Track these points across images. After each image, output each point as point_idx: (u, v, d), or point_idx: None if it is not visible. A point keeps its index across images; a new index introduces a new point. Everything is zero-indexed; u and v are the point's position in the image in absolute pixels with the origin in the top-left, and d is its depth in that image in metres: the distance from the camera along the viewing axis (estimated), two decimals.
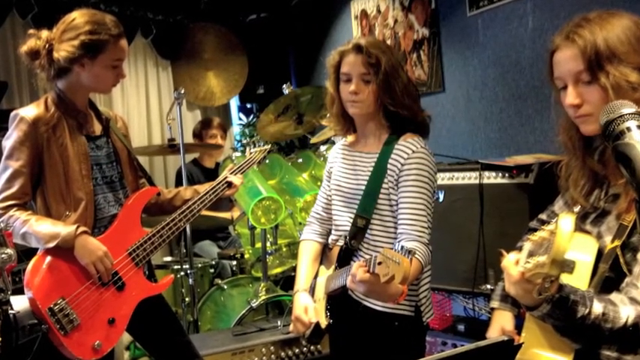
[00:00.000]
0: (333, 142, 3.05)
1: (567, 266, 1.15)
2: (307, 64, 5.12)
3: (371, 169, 1.85)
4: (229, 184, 2.25)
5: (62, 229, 1.86)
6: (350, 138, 2.01)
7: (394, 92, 1.80)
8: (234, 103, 5.44)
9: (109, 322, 1.93)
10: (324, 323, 1.83)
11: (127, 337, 3.25)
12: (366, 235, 1.84)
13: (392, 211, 1.82)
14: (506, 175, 2.61)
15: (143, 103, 4.77)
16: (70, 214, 1.95)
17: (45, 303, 1.82)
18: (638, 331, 1.18)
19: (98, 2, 4.21)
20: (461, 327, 2.99)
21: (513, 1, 3.37)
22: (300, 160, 3.64)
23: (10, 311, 1.70)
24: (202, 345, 2.59)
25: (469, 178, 2.72)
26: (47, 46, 1.94)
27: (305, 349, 2.73)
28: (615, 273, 1.26)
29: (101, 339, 1.90)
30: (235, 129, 5.43)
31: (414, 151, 1.79)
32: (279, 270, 3.47)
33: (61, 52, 1.91)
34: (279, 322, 2.88)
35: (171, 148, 3.43)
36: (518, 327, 1.45)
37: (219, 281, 3.49)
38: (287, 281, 3.57)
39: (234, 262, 3.77)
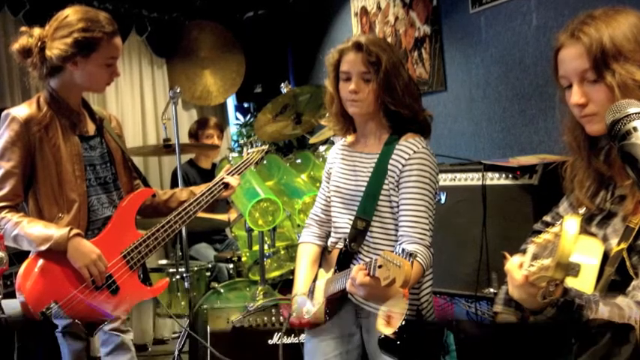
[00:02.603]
0: (333, 143, 3.01)
1: (572, 269, 1.13)
2: (306, 63, 5.09)
3: (371, 169, 1.82)
4: (226, 186, 2.23)
5: (55, 231, 1.84)
6: (350, 138, 1.98)
7: (395, 91, 1.77)
8: (231, 102, 5.41)
9: None
10: None
11: None
12: (366, 238, 1.81)
13: (393, 213, 1.79)
14: (510, 176, 2.57)
15: (138, 102, 4.74)
16: (63, 216, 1.92)
17: (37, 307, 1.79)
18: None
19: None
20: None
21: None
22: (298, 161, 3.60)
23: (1, 315, 1.68)
24: None
25: (472, 179, 2.69)
26: (39, 44, 1.91)
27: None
28: (621, 276, 1.24)
29: None
30: (232, 129, 5.41)
31: (415, 152, 1.77)
32: (277, 273, 3.44)
33: (54, 50, 1.89)
34: None
35: (166, 148, 3.41)
36: None
37: (216, 285, 3.44)
38: (285, 285, 3.53)
39: (231, 265, 3.74)
